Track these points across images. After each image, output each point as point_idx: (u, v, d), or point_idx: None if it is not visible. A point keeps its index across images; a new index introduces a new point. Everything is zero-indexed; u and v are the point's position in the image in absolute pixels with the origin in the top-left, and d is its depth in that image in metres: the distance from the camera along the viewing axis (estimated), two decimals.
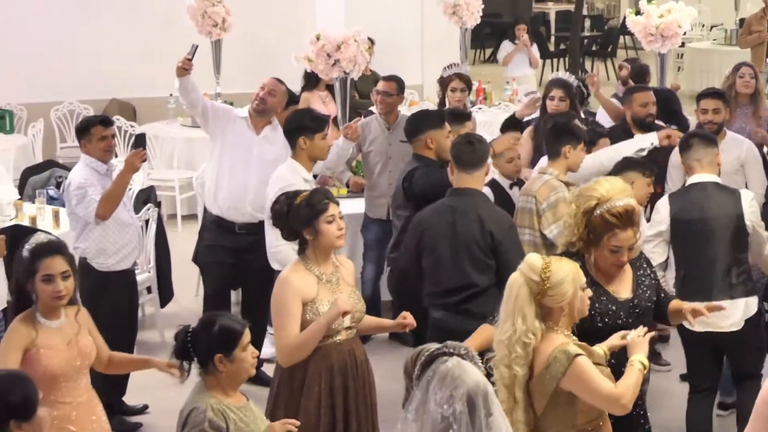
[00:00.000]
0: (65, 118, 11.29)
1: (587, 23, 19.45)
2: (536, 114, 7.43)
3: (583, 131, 6.02)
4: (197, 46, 6.47)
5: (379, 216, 7.07)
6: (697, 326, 4.90)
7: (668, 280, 5.28)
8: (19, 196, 7.71)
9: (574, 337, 3.74)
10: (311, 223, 4.29)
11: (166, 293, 7.53)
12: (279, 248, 5.56)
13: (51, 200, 7.57)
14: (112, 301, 5.79)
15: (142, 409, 6.25)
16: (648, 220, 5.55)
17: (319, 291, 4.31)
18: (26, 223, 6.91)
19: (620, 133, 6.74)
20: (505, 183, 6.31)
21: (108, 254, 5.84)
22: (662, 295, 4.34)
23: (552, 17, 22.00)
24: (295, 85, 8.84)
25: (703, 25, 18.40)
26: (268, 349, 6.18)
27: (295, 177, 5.69)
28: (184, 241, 8.45)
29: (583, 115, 7.22)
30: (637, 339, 3.78)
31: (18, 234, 6.18)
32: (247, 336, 3.57)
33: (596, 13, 22.39)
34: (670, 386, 6.30)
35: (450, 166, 5.21)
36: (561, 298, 3.62)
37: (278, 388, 4.41)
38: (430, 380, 2.88)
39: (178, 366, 3.62)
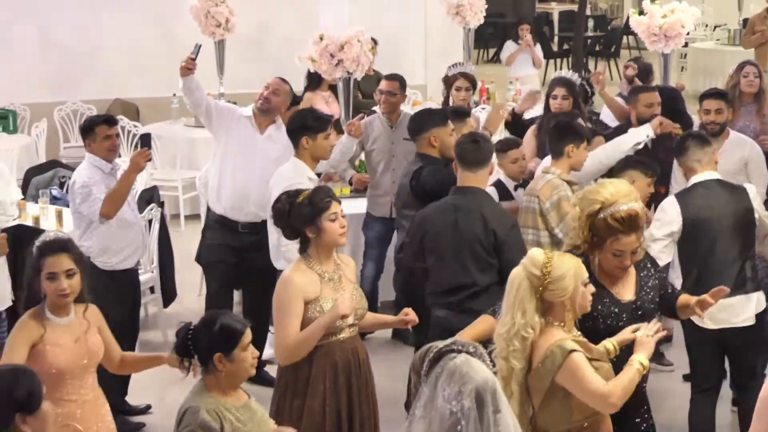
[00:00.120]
0: (68, 118, 11.30)
1: (590, 23, 19.45)
2: (538, 112, 7.44)
3: (586, 130, 6.02)
4: (200, 46, 6.47)
5: (382, 214, 7.08)
6: (710, 324, 4.92)
7: (673, 281, 5.28)
8: (22, 196, 7.71)
9: (578, 333, 3.74)
10: (314, 221, 4.30)
11: (169, 293, 7.55)
12: (287, 247, 5.56)
13: (54, 200, 7.57)
14: (114, 300, 5.79)
15: (145, 409, 6.26)
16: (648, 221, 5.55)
17: (322, 289, 4.32)
18: (29, 223, 6.92)
19: (624, 132, 6.74)
20: (510, 184, 6.32)
21: (111, 253, 5.85)
22: (669, 290, 4.34)
23: (555, 17, 22.00)
24: (298, 85, 8.84)
25: (707, 25, 18.38)
26: (270, 351, 6.19)
27: (299, 176, 5.69)
28: (187, 241, 8.46)
29: (586, 114, 7.23)
30: (645, 338, 3.78)
31: (21, 234, 6.21)
32: (247, 336, 3.58)
33: (599, 13, 22.38)
34: (672, 386, 6.30)
35: (454, 164, 5.22)
36: (562, 292, 3.63)
37: (283, 388, 4.41)
38: (439, 377, 2.88)
39: (179, 364, 3.62)
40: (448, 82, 7.80)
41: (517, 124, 7.40)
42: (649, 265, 4.30)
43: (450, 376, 2.87)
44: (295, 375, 4.36)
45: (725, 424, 5.71)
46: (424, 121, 6.09)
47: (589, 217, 4.06)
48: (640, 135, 6.19)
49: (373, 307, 6.89)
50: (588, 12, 19.68)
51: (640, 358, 3.69)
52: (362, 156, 7.37)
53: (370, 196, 7.19)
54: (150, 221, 7.14)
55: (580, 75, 7.77)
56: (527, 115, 7.91)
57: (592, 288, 3.78)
